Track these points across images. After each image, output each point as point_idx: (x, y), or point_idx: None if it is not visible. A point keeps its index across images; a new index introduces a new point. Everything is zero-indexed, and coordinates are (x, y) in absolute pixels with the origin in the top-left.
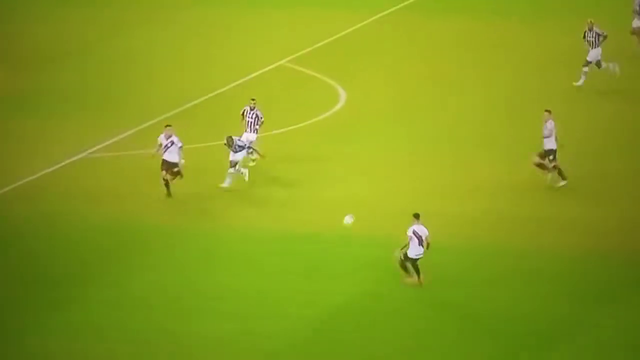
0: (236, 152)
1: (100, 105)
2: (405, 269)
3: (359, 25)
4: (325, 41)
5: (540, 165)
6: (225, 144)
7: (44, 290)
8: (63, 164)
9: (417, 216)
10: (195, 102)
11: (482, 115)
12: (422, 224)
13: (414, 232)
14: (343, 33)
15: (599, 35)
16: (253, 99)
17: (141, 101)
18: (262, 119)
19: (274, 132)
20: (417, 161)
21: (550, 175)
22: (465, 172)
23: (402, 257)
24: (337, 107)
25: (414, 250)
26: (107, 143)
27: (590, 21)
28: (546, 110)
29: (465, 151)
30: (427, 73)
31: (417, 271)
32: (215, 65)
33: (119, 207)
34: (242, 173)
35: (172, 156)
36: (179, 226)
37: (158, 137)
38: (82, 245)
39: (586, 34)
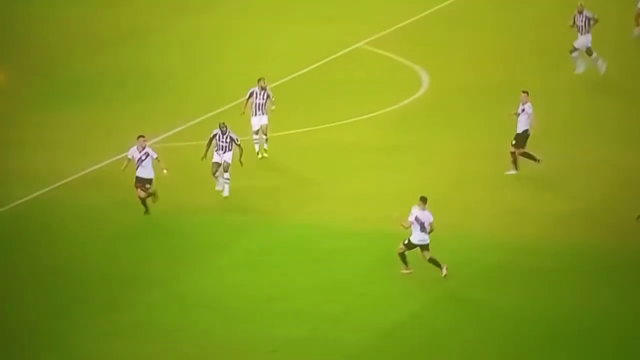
0: (225, 151)
1: (160, 93)
2: (404, 259)
3: (446, 2)
4: (408, 21)
5: (526, 154)
6: (219, 129)
7: (103, 288)
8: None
9: (424, 200)
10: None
11: (579, 102)
12: (427, 209)
13: (417, 218)
14: (428, 11)
15: (589, 19)
16: (262, 78)
17: (203, 89)
18: (273, 98)
19: (348, 120)
20: (494, 152)
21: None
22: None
23: (405, 245)
24: (419, 93)
25: (417, 236)
26: (169, 134)
27: (581, 4)
28: (523, 92)
29: (551, 142)
30: (519, 55)
31: (437, 263)
32: (287, 48)
33: (178, 200)
34: (224, 185)
35: (146, 171)
36: (238, 221)
37: (128, 150)
38: (140, 241)
39: (575, 18)
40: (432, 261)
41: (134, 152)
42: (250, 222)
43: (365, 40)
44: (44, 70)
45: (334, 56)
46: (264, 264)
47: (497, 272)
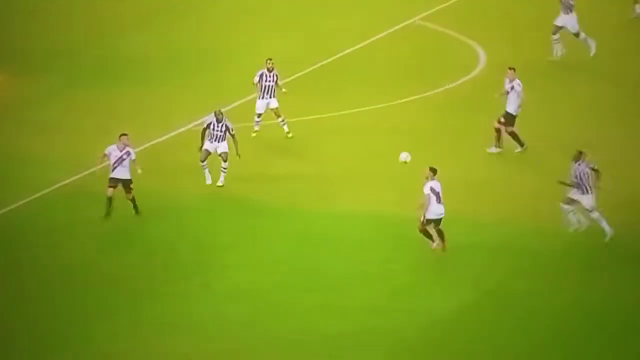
0: (219, 140)
1: (210, 70)
2: (428, 235)
3: None
4: None
5: (514, 135)
6: (215, 117)
7: (140, 277)
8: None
9: (434, 171)
10: (314, 66)
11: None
12: (438, 180)
13: (432, 189)
14: None
15: None
16: (270, 59)
17: (248, 67)
18: (281, 82)
19: (398, 101)
20: (549, 136)
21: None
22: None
23: (423, 222)
24: (475, 71)
25: (435, 210)
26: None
27: None
28: (510, 68)
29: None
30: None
31: (442, 235)
32: (337, 25)
33: (210, 188)
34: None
35: (125, 171)
36: (270, 210)
37: (106, 148)
38: (171, 230)
39: None
40: (439, 232)
41: (113, 150)
42: (285, 210)
43: (420, 16)
44: (68, 52)
45: (385, 33)
46: (297, 255)
47: (545, 260)
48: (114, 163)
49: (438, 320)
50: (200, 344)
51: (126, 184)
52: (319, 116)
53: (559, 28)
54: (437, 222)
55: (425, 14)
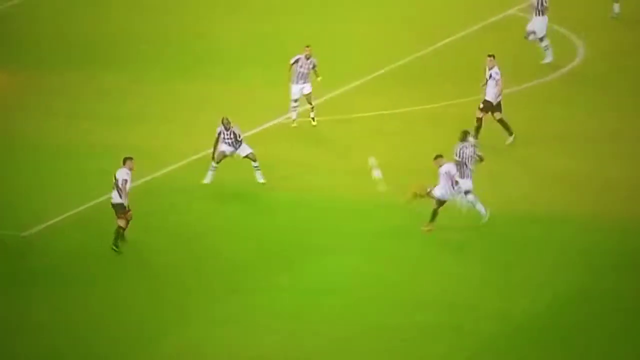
0: (237, 147)
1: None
2: (434, 215)
3: None
4: None
5: (503, 123)
6: (222, 126)
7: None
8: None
9: (440, 156)
10: (408, 58)
11: None
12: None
13: (448, 172)
14: None
15: None
16: (308, 46)
17: (342, 61)
18: (317, 68)
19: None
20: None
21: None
22: None
23: (429, 192)
24: (571, 65)
25: (449, 192)
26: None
27: None
28: (489, 55)
29: None
30: None
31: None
32: (435, 15)
33: (298, 182)
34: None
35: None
36: (350, 204)
37: (117, 171)
38: (257, 226)
39: None
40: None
41: (124, 175)
42: (362, 205)
43: (518, 7)
44: (153, 39)
45: (483, 23)
46: (377, 249)
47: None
48: (125, 190)
49: (525, 321)
50: (288, 337)
51: (123, 209)
52: (411, 108)
53: (531, 32)
54: (443, 203)
55: (523, 5)
